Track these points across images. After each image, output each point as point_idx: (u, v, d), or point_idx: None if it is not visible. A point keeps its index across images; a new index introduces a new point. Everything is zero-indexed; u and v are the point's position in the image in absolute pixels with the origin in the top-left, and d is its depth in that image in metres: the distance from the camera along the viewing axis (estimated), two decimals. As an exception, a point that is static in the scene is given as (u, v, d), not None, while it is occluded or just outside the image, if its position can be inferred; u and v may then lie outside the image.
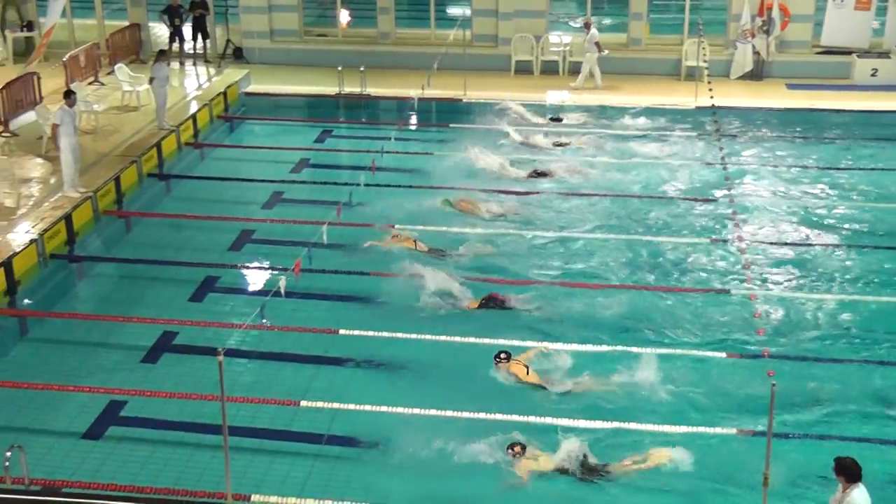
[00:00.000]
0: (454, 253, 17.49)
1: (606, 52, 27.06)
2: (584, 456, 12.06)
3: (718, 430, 12.83)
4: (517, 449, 12.16)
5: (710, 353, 14.59)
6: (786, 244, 18.20)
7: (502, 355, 13.95)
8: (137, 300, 16.38)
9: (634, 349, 14.53)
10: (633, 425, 12.89)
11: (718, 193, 20.40)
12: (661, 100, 25.74)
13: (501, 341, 14.64)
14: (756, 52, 27.19)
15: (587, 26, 26.99)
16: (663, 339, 14.99)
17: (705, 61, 25.91)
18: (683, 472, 12.05)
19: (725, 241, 18.28)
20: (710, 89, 23.22)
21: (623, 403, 13.39)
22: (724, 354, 14.56)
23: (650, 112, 25.06)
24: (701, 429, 12.85)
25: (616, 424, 12.88)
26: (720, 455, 12.37)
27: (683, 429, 12.84)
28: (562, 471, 11.98)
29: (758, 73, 27.41)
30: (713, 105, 23.23)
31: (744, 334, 15.13)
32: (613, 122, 24.69)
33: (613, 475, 11.98)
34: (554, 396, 13.49)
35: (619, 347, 14.65)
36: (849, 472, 9.88)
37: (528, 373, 13.75)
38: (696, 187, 20.86)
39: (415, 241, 17.77)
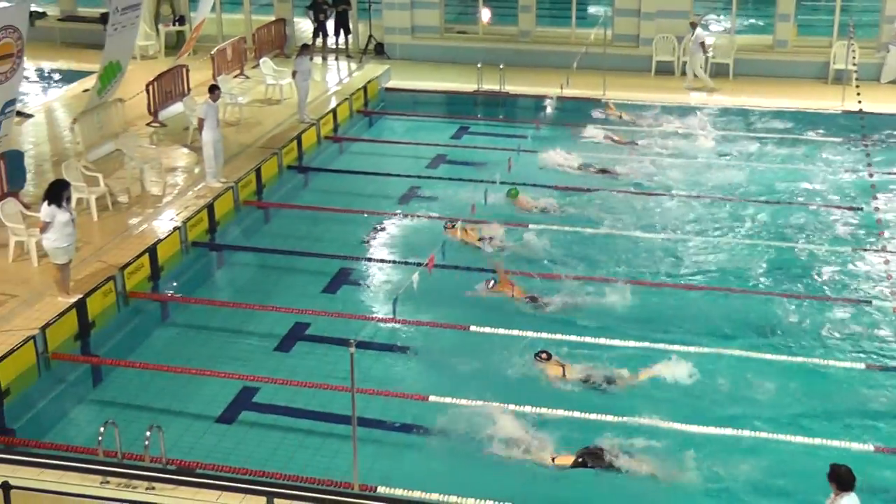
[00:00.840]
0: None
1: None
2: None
3: (855, 444, 12.42)
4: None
5: (848, 364, 14.18)
6: (934, 256, 17.53)
7: (543, 355, 13.92)
8: (273, 289, 16.71)
9: (771, 356, 14.25)
10: (763, 434, 12.60)
11: (863, 202, 19.75)
12: (806, 103, 24.99)
13: (633, 343, 14.50)
14: (911, 56, 26.21)
15: (693, 26, 26.41)
16: (801, 346, 14.64)
17: (854, 64, 25.09)
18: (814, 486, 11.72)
19: (869, 250, 17.70)
20: (859, 93, 22.46)
21: (757, 410, 13.13)
22: (863, 366, 14.12)
23: (794, 116, 24.40)
24: (837, 442, 12.47)
25: (746, 433, 12.62)
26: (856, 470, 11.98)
27: (818, 441, 12.48)
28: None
29: (912, 78, 26.41)
30: (861, 110, 22.45)
31: (886, 346, 14.64)
32: (754, 124, 24.15)
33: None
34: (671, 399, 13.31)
35: (755, 354, 14.35)
36: (841, 480, 9.69)
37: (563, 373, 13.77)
38: (839, 194, 20.25)
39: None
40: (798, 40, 28.17)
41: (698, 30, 26.36)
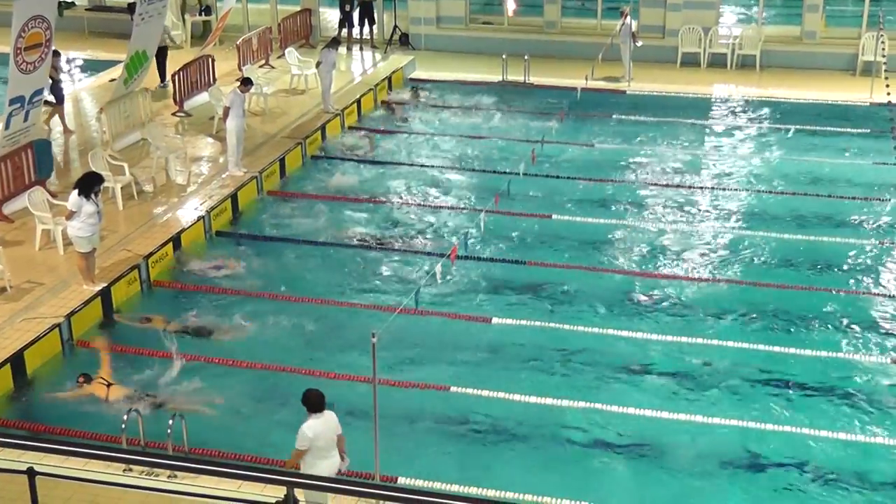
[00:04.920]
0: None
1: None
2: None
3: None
4: (81, 380, 13.25)
5: (872, 358, 14.16)
6: (963, 250, 17.40)
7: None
8: (296, 279, 16.68)
9: (808, 352, 14.29)
10: (788, 427, 12.59)
11: (891, 194, 19.59)
12: (833, 95, 24.82)
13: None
14: (940, 48, 25.92)
15: (623, 15, 26.16)
16: (826, 340, 14.64)
17: (884, 56, 24.89)
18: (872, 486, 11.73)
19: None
20: (888, 85, 22.30)
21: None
22: (888, 360, 14.11)
23: (820, 108, 24.22)
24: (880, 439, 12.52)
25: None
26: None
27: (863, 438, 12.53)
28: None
29: (942, 70, 26.13)
30: (889, 102, 22.29)
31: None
32: (780, 117, 24.01)
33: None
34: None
35: (797, 350, 14.37)
36: (307, 403, 10.56)
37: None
38: (867, 187, 20.09)
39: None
40: (826, 31, 27.97)
41: (628, 19, 26.06)
